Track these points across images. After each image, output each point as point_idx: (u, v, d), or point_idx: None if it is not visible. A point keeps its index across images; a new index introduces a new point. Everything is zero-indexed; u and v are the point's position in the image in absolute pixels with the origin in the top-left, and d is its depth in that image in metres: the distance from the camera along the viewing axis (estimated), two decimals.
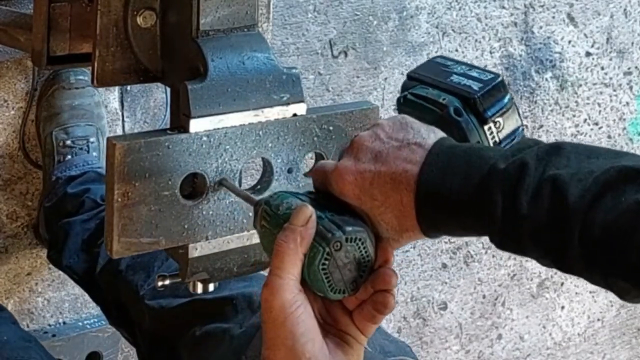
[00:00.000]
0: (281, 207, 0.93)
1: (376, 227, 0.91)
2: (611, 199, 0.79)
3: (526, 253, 0.85)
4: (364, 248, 0.90)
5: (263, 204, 0.96)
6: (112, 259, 1.57)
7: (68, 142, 1.76)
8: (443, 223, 0.87)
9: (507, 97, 1.02)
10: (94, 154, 1.78)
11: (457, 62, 1.06)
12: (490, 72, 1.03)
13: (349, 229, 0.89)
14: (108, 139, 1.04)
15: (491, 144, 1.00)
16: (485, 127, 1.00)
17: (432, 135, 0.90)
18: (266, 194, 1.10)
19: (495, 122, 1.01)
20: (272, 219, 0.94)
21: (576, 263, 0.81)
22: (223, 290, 1.26)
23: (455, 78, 1.03)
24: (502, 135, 1.01)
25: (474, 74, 1.03)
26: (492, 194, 0.83)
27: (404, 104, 1.04)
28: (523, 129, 1.03)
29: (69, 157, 1.76)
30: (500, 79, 1.02)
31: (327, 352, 0.89)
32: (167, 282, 1.13)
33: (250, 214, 1.10)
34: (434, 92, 1.02)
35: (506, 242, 0.85)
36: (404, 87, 1.06)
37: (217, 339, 1.31)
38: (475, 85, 1.01)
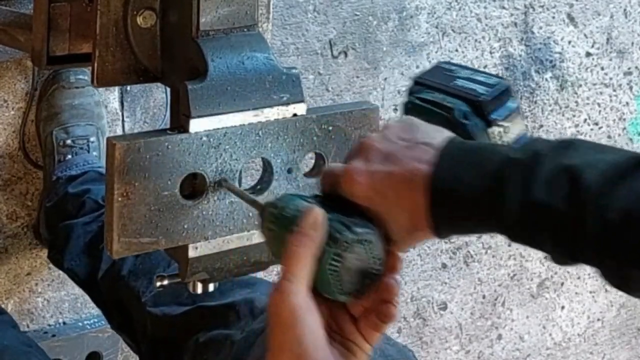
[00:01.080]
0: (287, 210, 0.92)
1: (386, 228, 0.90)
2: (630, 184, 0.78)
3: (536, 244, 0.84)
4: (373, 250, 0.88)
5: (269, 206, 0.94)
6: (114, 264, 1.57)
7: (68, 142, 1.76)
8: (456, 219, 0.86)
9: (514, 101, 1.02)
10: (94, 153, 1.78)
11: (462, 67, 1.07)
12: (496, 77, 1.04)
13: (359, 230, 0.88)
14: (108, 138, 1.04)
15: None
16: (490, 131, 1.01)
17: (439, 135, 0.90)
18: (266, 194, 1.10)
19: (501, 126, 1.01)
20: (279, 221, 0.92)
21: (590, 251, 0.80)
22: (226, 297, 1.26)
23: (459, 82, 1.04)
24: (507, 139, 1.01)
25: (480, 78, 1.04)
26: (505, 184, 0.83)
27: (412, 109, 1.04)
28: (528, 135, 1.04)
29: (69, 156, 1.76)
30: (507, 83, 1.02)
31: None
32: (165, 282, 1.13)
33: (251, 214, 1.10)
34: (440, 96, 1.03)
35: (519, 233, 0.84)
36: (410, 92, 1.07)
37: (219, 344, 1.30)
38: (481, 89, 1.02)
